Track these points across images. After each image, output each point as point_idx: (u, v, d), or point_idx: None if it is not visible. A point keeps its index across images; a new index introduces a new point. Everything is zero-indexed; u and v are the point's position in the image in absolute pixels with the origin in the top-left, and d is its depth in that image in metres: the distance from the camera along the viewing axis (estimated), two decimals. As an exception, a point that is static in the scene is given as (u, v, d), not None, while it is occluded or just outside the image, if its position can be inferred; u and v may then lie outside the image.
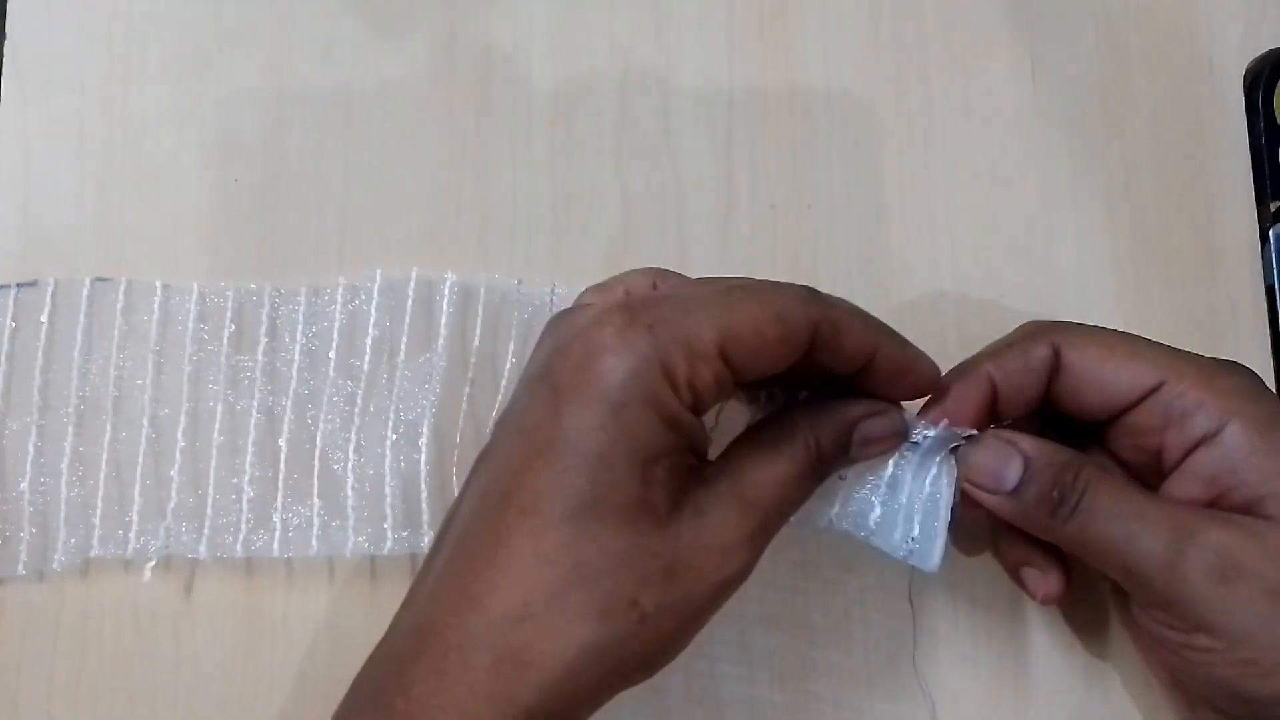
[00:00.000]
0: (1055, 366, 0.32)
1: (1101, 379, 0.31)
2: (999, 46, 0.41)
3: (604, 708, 0.35)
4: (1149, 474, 0.32)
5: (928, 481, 0.32)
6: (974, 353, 0.34)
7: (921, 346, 0.31)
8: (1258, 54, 0.41)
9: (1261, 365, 0.39)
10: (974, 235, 0.40)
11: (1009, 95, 0.41)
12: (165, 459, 0.36)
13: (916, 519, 0.32)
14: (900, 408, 0.32)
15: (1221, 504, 0.30)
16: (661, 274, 0.32)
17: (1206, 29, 0.42)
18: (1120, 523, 0.30)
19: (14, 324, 0.37)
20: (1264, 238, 0.40)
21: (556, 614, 0.26)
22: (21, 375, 0.37)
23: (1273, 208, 0.40)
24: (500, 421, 0.30)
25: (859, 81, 0.41)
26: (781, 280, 0.30)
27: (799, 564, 0.37)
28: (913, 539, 0.32)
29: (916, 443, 0.32)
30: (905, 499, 0.32)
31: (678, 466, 0.28)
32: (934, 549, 0.32)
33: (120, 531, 0.36)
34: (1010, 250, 0.40)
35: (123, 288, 0.37)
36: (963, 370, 0.33)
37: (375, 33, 0.41)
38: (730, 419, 0.33)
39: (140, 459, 0.36)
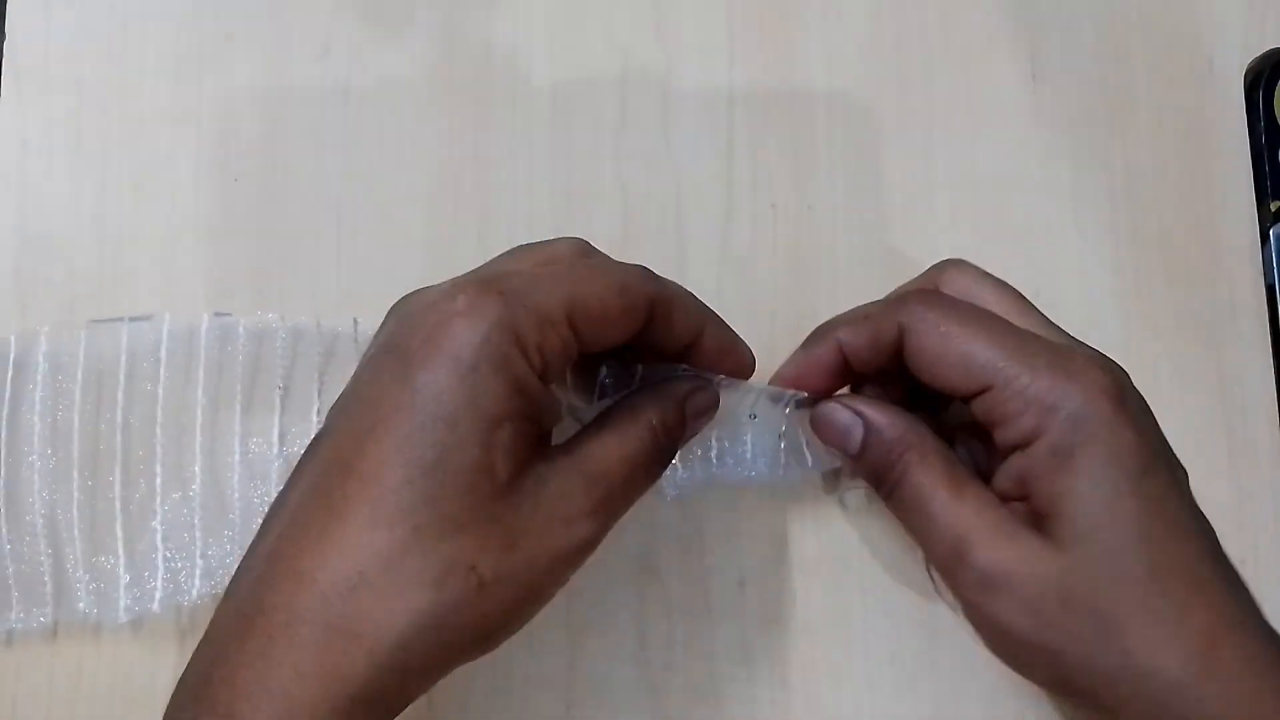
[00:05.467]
0: (901, 346, 0.32)
1: (934, 372, 0.32)
2: (1000, 47, 0.41)
3: (600, 708, 0.36)
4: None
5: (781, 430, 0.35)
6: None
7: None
8: (1258, 54, 0.41)
9: (1262, 365, 0.39)
10: (975, 235, 0.40)
11: (1010, 95, 0.41)
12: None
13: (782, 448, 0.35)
14: (711, 380, 0.33)
15: (1026, 505, 0.31)
16: None
17: (1207, 29, 0.42)
18: (918, 518, 0.32)
19: (128, 360, 0.36)
20: (1264, 238, 0.40)
21: (390, 581, 0.26)
22: (144, 412, 0.36)
23: (1273, 208, 0.40)
24: (342, 397, 0.29)
25: (860, 81, 0.41)
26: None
27: (799, 564, 0.37)
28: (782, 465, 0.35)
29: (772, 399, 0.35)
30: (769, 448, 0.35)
31: (522, 434, 0.28)
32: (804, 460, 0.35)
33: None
34: (1011, 250, 0.40)
35: (242, 324, 0.37)
36: (819, 335, 0.34)
37: (374, 32, 0.41)
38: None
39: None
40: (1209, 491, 0.38)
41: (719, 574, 0.37)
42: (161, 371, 0.36)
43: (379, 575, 0.26)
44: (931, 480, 0.32)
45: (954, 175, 0.40)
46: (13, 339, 0.36)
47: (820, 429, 0.34)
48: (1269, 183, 0.40)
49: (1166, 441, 0.31)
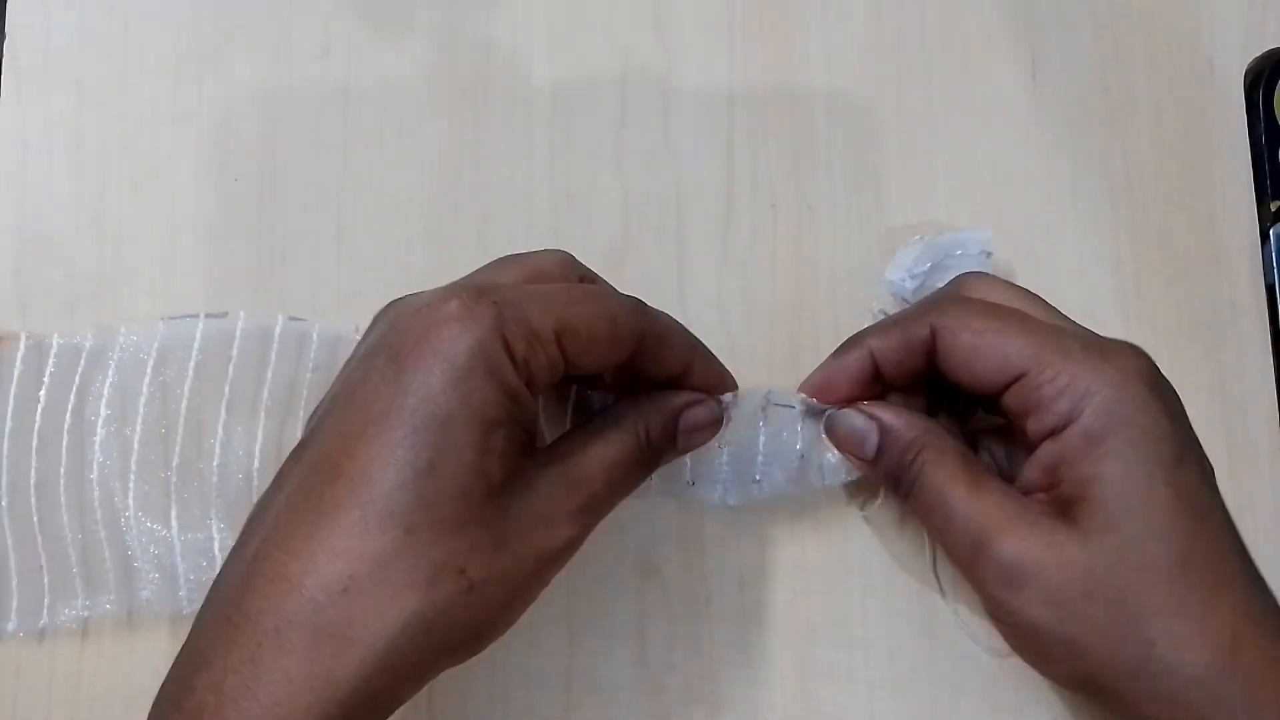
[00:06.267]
0: (934, 346, 0.33)
1: (970, 365, 0.32)
2: (1000, 46, 0.41)
3: (599, 708, 0.36)
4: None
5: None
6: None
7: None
8: (1258, 54, 0.41)
9: (1261, 365, 0.39)
10: (975, 235, 0.40)
11: (1010, 95, 0.41)
12: None
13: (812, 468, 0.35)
14: (716, 398, 0.34)
15: (1053, 493, 0.31)
16: None
17: (1207, 29, 0.42)
18: (938, 515, 0.32)
19: (199, 356, 0.36)
20: (1264, 237, 0.40)
21: (381, 584, 0.26)
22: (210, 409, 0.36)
23: (1273, 208, 0.40)
24: (329, 398, 0.29)
25: (859, 81, 0.41)
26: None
27: (799, 564, 0.37)
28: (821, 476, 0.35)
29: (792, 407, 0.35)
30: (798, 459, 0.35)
31: (512, 439, 0.28)
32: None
33: None
34: (1011, 250, 0.39)
35: (316, 330, 0.37)
36: (850, 344, 0.34)
37: (374, 32, 0.41)
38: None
39: None
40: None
41: (719, 574, 0.37)
42: (230, 370, 0.36)
43: (369, 578, 0.26)
44: (949, 476, 0.32)
45: (954, 175, 0.40)
46: (89, 333, 0.37)
47: (835, 436, 0.35)
48: (1269, 183, 0.40)
49: (1195, 435, 0.31)
